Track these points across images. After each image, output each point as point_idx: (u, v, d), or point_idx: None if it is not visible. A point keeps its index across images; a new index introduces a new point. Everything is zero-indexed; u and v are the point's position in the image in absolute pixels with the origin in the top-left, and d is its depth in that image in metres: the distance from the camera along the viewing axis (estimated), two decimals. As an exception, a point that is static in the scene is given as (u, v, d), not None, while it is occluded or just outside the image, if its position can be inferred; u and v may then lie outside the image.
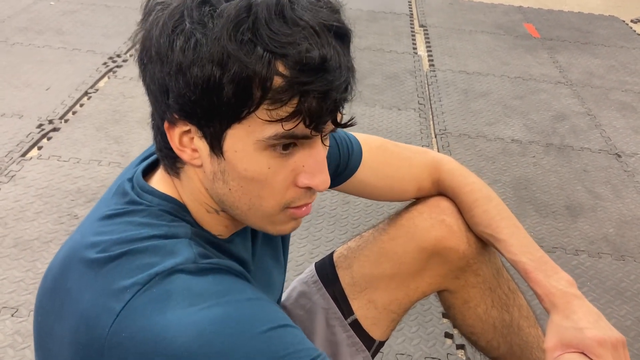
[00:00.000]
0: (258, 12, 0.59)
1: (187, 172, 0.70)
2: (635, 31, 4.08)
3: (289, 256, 1.79)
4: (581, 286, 1.81)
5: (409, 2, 4.24)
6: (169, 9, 0.63)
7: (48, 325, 0.71)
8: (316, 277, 1.15)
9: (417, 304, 1.65)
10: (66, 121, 2.46)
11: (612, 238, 2.08)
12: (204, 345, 0.59)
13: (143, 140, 2.37)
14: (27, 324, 1.57)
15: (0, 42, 3.06)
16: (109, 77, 2.84)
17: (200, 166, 0.68)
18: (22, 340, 1.52)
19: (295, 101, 0.61)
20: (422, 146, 2.51)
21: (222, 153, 0.65)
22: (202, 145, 0.66)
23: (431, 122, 2.74)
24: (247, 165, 0.65)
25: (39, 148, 2.28)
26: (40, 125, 2.41)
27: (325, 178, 0.68)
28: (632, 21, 4.26)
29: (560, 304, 0.91)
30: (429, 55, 3.43)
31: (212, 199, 0.71)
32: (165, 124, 0.66)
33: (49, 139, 2.34)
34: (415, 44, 3.57)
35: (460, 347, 1.59)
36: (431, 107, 2.86)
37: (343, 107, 0.65)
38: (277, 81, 0.60)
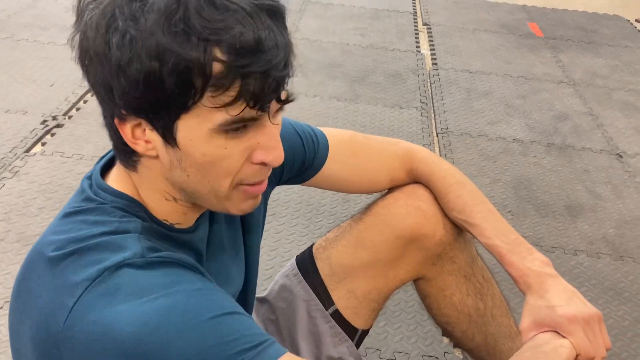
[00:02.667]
0: (188, 2, 0.61)
1: (144, 164, 0.72)
2: (639, 30, 4.06)
3: (289, 253, 1.82)
4: (579, 286, 1.82)
5: (412, 0, 4.24)
6: (100, 8, 0.64)
7: (15, 326, 0.74)
8: (296, 270, 1.16)
9: (414, 302, 1.68)
10: (70, 117, 2.48)
11: (611, 238, 2.08)
12: (151, 334, 0.61)
13: (146, 137, 2.38)
14: (29, 318, 1.59)
15: (5, 38, 3.08)
16: (112, 74, 2.85)
17: (156, 157, 0.70)
18: (24, 335, 1.54)
19: (237, 85, 0.62)
20: (424, 145, 2.52)
21: (176, 143, 0.67)
22: (154, 136, 0.67)
23: (433, 121, 2.75)
24: (204, 150, 0.67)
25: (43, 144, 2.30)
26: (44, 121, 2.43)
27: (279, 153, 0.70)
28: (636, 20, 4.25)
29: (534, 284, 0.91)
30: (432, 54, 3.44)
31: (172, 188, 0.73)
32: (116, 121, 0.68)
33: (52, 135, 2.36)
34: (418, 43, 3.57)
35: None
36: (433, 106, 2.86)
37: (285, 85, 0.67)
38: (217, 67, 0.61)
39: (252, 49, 0.62)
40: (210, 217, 0.84)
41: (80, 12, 0.67)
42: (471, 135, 2.64)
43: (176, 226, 0.76)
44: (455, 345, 1.55)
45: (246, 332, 0.65)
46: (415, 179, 1.09)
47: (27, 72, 2.79)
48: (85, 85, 2.67)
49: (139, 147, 0.69)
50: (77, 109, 2.55)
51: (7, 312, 1.60)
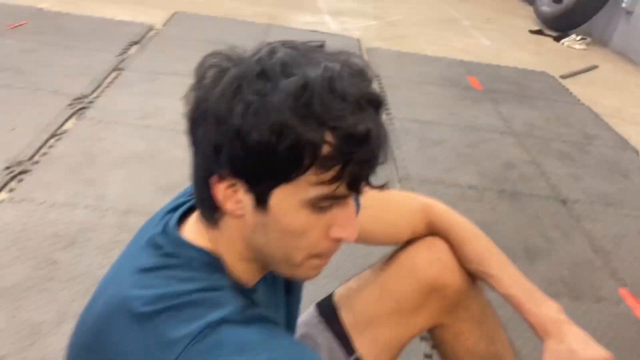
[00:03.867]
0: (314, 89, 0.67)
1: (226, 222, 0.76)
2: (564, 86, 4.45)
3: (305, 300, 1.84)
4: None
5: (360, 52, 4.45)
6: (227, 76, 0.70)
7: None
8: (319, 318, 1.21)
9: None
10: (36, 163, 2.43)
11: (567, 279, 2.26)
12: None
13: (118, 183, 2.37)
14: (16, 373, 1.53)
15: (-42, 80, 2.99)
16: (76, 119, 2.82)
17: (242, 217, 0.74)
18: (16, 390, 1.49)
19: (338, 167, 0.68)
20: (389, 192, 2.64)
21: (267, 208, 0.72)
22: (246, 198, 0.72)
23: (395, 168, 2.89)
24: (290, 221, 0.72)
25: (10, 190, 2.24)
26: (8, 167, 2.36)
27: (354, 229, 0.76)
28: (561, 77, 4.65)
29: (552, 330, 1.02)
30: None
31: (248, 247, 0.77)
32: (214, 178, 0.72)
33: (19, 181, 2.30)
34: (370, 93, 3.74)
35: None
36: (393, 154, 3.01)
37: (376, 170, 0.74)
38: (326, 150, 0.67)
39: (361, 139, 0.68)
40: (271, 281, 0.89)
41: (201, 74, 0.72)
42: (430, 182, 2.80)
43: (245, 286, 0.80)
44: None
45: None
46: (433, 231, 1.18)
47: (-15, 116, 2.71)
48: (49, 130, 2.64)
49: (228, 205, 0.74)
50: (43, 155, 2.50)
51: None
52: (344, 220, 0.75)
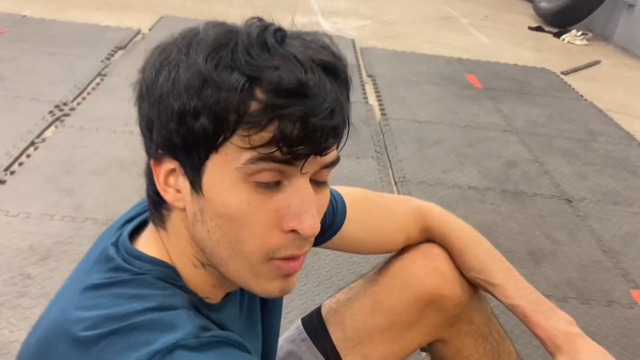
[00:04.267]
0: (239, 38, 0.59)
1: (172, 220, 0.67)
2: (566, 82, 4.33)
3: (290, 314, 1.73)
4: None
5: (354, 52, 4.34)
6: (160, 48, 0.64)
7: None
8: (304, 335, 1.11)
9: None
10: (12, 173, 2.31)
11: (574, 282, 2.13)
12: None
13: (97, 193, 2.25)
14: (-20, 400, 1.41)
15: None
16: (56, 126, 2.71)
17: (184, 209, 0.65)
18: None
19: (272, 127, 0.58)
20: (385, 194, 2.52)
21: (201, 188, 0.62)
22: (185, 184, 0.63)
23: (390, 170, 2.76)
24: (225, 200, 0.60)
25: (-17, 202, 2.12)
26: (-17, 177, 2.25)
27: (313, 221, 0.62)
28: (562, 73, 4.53)
29: (564, 345, 0.91)
30: (379, 105, 3.49)
31: (197, 247, 0.66)
32: (152, 162, 0.65)
33: (-6, 192, 2.18)
34: (365, 94, 3.63)
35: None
36: (388, 155, 2.89)
37: (328, 142, 0.61)
38: (253, 105, 0.58)
39: (293, 91, 0.58)
40: (240, 298, 0.77)
41: (146, 59, 0.65)
42: (429, 184, 2.67)
43: (205, 300, 0.69)
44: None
45: None
46: (429, 237, 1.07)
47: (-39, 125, 2.60)
48: (27, 139, 2.53)
49: (169, 195, 0.65)
50: (20, 164, 2.38)
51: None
52: (299, 207, 0.61)
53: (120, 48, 3.75)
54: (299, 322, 1.14)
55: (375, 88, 3.74)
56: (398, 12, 5.85)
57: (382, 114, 3.37)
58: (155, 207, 0.68)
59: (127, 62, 3.54)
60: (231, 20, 0.64)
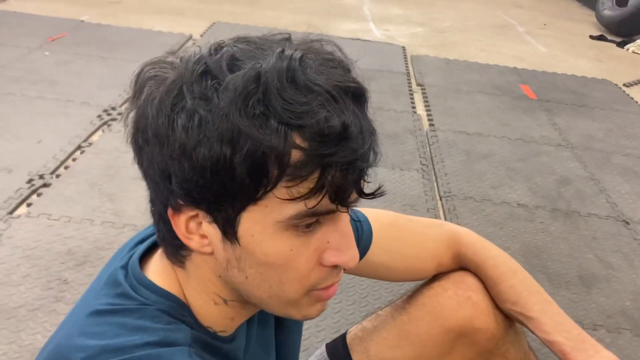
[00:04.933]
0: (268, 81, 0.53)
1: (194, 261, 0.63)
2: (628, 95, 4.12)
3: (312, 338, 1.68)
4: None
5: (405, 60, 4.26)
6: (165, 85, 0.57)
7: None
8: None
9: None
10: (58, 176, 2.35)
11: (629, 312, 1.99)
12: None
13: (138, 199, 2.26)
14: (9, 405, 1.42)
15: (-9, 92, 2.98)
16: (103, 131, 2.75)
17: (211, 254, 0.61)
18: None
19: (316, 175, 0.55)
20: (428, 209, 2.44)
21: (236, 239, 0.58)
22: (212, 230, 0.59)
23: (435, 184, 2.68)
24: (266, 250, 0.58)
25: (29, 205, 2.16)
26: (30, 180, 2.30)
27: (353, 254, 0.62)
28: (624, 85, 4.32)
29: None
30: (428, 115, 3.41)
31: (224, 288, 0.63)
32: (169, 212, 0.59)
33: (39, 195, 2.23)
34: (414, 103, 3.55)
35: None
36: (434, 168, 2.80)
37: (367, 175, 0.59)
38: (296, 155, 0.54)
39: (337, 136, 0.53)
40: (249, 320, 0.74)
41: (139, 88, 0.59)
42: (475, 200, 2.57)
43: (220, 334, 0.66)
44: None
45: None
46: (462, 265, 1.00)
47: (14, 128, 2.67)
48: (75, 142, 2.58)
49: (193, 242, 0.60)
50: (66, 168, 2.42)
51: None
52: (339, 242, 0.60)
53: (171, 54, 3.79)
54: (323, 348, 1.11)
55: (425, 97, 3.65)
56: (451, 19, 5.73)
57: (430, 125, 3.28)
58: (172, 248, 0.64)
59: (177, 67, 3.59)
60: (282, 26, 0.60)
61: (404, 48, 4.53)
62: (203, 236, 0.60)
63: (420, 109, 3.51)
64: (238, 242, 0.58)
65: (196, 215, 0.59)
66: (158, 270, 0.66)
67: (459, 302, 0.97)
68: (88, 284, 1.80)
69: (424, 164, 2.82)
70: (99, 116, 2.86)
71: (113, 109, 2.96)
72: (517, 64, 4.51)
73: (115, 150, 2.59)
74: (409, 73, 4.04)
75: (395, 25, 5.26)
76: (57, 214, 2.12)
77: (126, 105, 2.99)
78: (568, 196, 2.70)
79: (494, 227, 2.38)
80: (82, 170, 2.41)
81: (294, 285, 0.61)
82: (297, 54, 0.55)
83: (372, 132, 0.58)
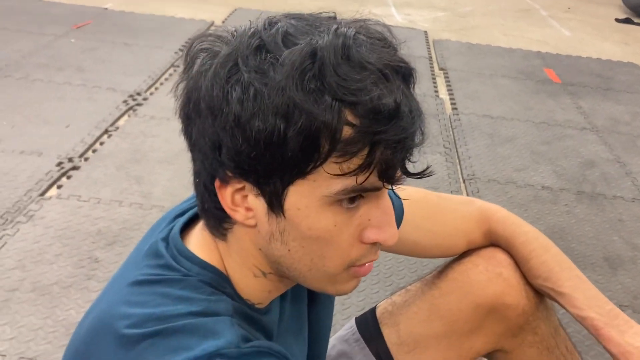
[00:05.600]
0: (324, 58, 0.54)
1: (236, 233, 0.64)
2: (655, 78, 4.05)
3: (347, 311, 1.71)
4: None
5: (427, 45, 4.24)
6: (219, 57, 0.57)
7: None
8: (358, 335, 1.07)
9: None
10: (86, 159, 2.40)
11: (656, 293, 1.98)
12: None
13: (165, 181, 2.30)
14: (45, 377, 1.47)
15: (20, 79, 3.03)
16: (129, 115, 2.79)
17: (254, 226, 0.62)
18: (40, 396, 1.42)
19: (365, 152, 0.55)
20: (451, 192, 2.43)
21: (282, 212, 0.59)
22: (258, 203, 0.60)
23: (458, 167, 2.67)
24: (311, 224, 0.59)
25: (59, 187, 2.21)
26: (60, 163, 2.35)
27: (393, 231, 0.63)
28: (651, 68, 4.24)
29: None
30: (450, 99, 3.39)
31: (264, 260, 0.64)
32: (217, 183, 0.60)
33: (68, 177, 2.27)
34: (436, 87, 3.53)
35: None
36: (457, 151, 2.79)
37: (412, 155, 0.60)
38: (347, 131, 0.54)
39: (389, 114, 0.54)
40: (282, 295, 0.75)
41: (190, 60, 0.59)
42: (499, 182, 2.56)
43: (257, 306, 0.68)
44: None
45: None
46: (493, 242, 1.01)
47: (42, 113, 2.72)
48: (102, 127, 2.62)
49: (238, 215, 0.61)
50: (94, 151, 2.47)
51: (27, 373, 1.50)
52: (380, 220, 0.62)
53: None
54: (352, 322, 1.11)
55: (447, 81, 3.64)
56: (473, 3, 5.67)
57: (453, 108, 3.27)
58: (215, 220, 0.65)
59: (200, 53, 3.62)
60: (305, 12, 0.62)
61: (425, 33, 4.51)
62: (248, 209, 0.61)
63: (443, 93, 3.49)
64: (283, 215, 0.59)
65: (243, 188, 0.60)
66: (199, 242, 0.67)
67: (489, 277, 0.97)
68: (118, 263, 1.85)
69: (447, 147, 2.81)
70: (125, 101, 2.90)
71: (138, 94, 2.99)
72: (540, 48, 4.46)
73: (141, 134, 2.62)
74: (431, 57, 4.02)
75: (417, 9, 5.22)
76: (87, 195, 2.17)
77: (151, 91, 3.04)
78: (593, 179, 2.67)
79: (518, 209, 2.37)
80: (109, 154, 2.45)
81: (335, 260, 0.62)
82: (351, 32, 0.56)
83: (420, 112, 0.58)
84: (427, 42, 4.30)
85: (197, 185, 0.64)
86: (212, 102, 0.56)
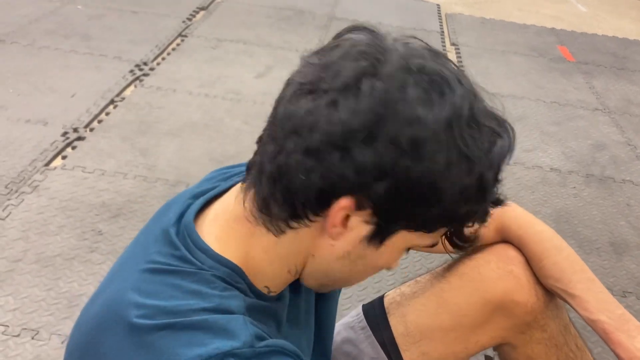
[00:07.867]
0: (496, 147, 0.64)
1: (299, 234, 0.62)
2: (671, 58, 3.96)
3: (349, 299, 1.70)
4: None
5: (439, 19, 4.16)
6: (434, 113, 0.58)
7: None
8: (364, 323, 1.07)
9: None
10: (91, 130, 2.39)
11: (661, 280, 1.97)
12: None
13: (170, 154, 2.29)
14: (48, 348, 1.48)
15: (27, 45, 3.00)
16: (135, 86, 2.77)
17: (335, 241, 0.62)
18: (42, 368, 1.43)
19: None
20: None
21: (379, 245, 0.62)
22: (361, 228, 0.61)
23: (466, 146, 2.64)
24: (387, 258, 0.65)
25: (64, 157, 2.21)
26: (65, 133, 2.34)
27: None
28: (668, 48, 4.15)
29: None
30: (461, 75, 3.34)
31: (303, 262, 0.66)
32: (345, 201, 0.57)
33: (73, 148, 2.27)
34: (447, 63, 3.47)
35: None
36: (465, 130, 2.76)
37: None
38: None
39: (496, 202, 0.66)
40: (292, 285, 0.75)
41: (353, 82, 0.59)
42: (507, 163, 2.53)
43: (271, 294, 0.68)
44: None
45: None
46: (505, 238, 1.00)
47: (48, 81, 2.70)
48: (107, 97, 2.60)
49: (335, 230, 0.61)
50: (99, 122, 2.45)
51: (25, 340, 1.51)
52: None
53: (202, 9, 3.78)
54: (359, 309, 1.11)
55: (458, 57, 3.58)
56: (489, -24, 5.54)
57: (463, 86, 3.22)
58: (285, 217, 0.61)
59: (208, 23, 3.56)
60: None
61: (438, 6, 4.42)
62: (345, 226, 0.60)
63: (454, 70, 3.43)
64: (377, 248, 0.62)
65: (359, 210, 0.59)
66: (217, 232, 0.65)
67: (500, 274, 0.97)
68: (122, 236, 1.85)
69: (455, 126, 2.78)
70: (131, 71, 2.88)
71: (145, 64, 2.96)
72: (555, 24, 4.37)
73: (148, 105, 2.60)
74: (443, 32, 3.95)
75: (430, -18, 5.11)
76: (91, 166, 2.16)
77: (157, 60, 3.00)
78: (603, 162, 2.64)
79: (525, 191, 2.35)
80: (115, 125, 2.44)
81: (368, 275, 0.68)
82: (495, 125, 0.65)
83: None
84: (440, 16, 4.22)
85: (300, 182, 0.58)
86: (431, 174, 0.58)
